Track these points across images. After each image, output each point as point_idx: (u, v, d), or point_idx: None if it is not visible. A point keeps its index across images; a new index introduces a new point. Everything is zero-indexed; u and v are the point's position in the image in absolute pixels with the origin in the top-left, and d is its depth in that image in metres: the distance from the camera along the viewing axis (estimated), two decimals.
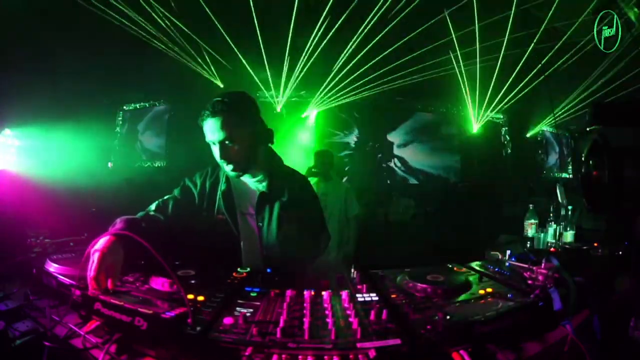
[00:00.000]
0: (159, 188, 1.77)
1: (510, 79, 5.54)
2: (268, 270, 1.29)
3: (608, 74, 5.04)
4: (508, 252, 1.38)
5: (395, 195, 5.62)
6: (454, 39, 5.09)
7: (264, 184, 1.55)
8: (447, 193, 5.87)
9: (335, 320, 0.89)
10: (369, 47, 5.09)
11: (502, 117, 6.59)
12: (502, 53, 5.06)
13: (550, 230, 2.24)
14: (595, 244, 1.76)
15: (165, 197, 1.55)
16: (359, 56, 5.24)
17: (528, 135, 6.85)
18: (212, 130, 1.41)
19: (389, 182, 6.17)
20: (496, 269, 1.26)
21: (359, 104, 5.92)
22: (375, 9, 4.67)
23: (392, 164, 6.26)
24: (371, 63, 5.32)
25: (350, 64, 5.35)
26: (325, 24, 4.85)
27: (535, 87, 5.35)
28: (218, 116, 1.39)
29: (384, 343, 0.79)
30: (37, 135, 4.21)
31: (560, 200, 2.32)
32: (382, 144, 6.23)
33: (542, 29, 4.58)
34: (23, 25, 3.86)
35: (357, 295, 1.06)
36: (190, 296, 0.98)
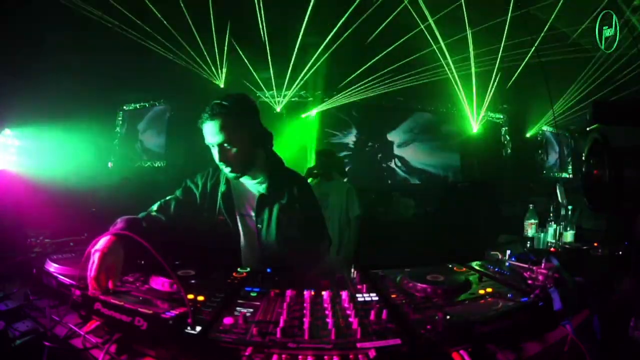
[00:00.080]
0: (159, 188, 1.78)
1: (511, 80, 5.55)
2: (268, 270, 1.29)
3: (608, 72, 5.05)
4: (508, 252, 1.38)
5: (396, 195, 5.62)
6: (443, 46, 5.10)
7: (264, 185, 1.55)
8: (447, 193, 5.87)
9: (335, 320, 0.89)
10: (368, 45, 5.09)
11: (502, 117, 6.60)
12: (499, 55, 5.07)
13: (550, 230, 2.24)
14: (595, 244, 1.76)
15: (168, 198, 1.55)
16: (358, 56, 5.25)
17: (528, 135, 6.85)
18: (211, 133, 1.41)
19: (390, 182, 6.17)
20: (496, 269, 1.26)
21: (357, 104, 5.92)
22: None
23: (392, 164, 6.26)
24: (371, 62, 5.33)
25: (351, 64, 5.36)
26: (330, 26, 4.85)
27: (535, 86, 5.35)
28: (217, 119, 1.39)
29: (384, 343, 0.79)
30: (37, 135, 4.21)
31: (560, 200, 2.31)
32: (382, 144, 6.23)
33: (543, 32, 4.59)
34: (23, 25, 3.86)
35: (357, 295, 1.05)
36: (190, 296, 0.98)
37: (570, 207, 2.28)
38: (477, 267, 1.32)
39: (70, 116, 4.29)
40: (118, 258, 1.09)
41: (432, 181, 6.22)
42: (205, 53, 5.18)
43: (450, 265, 1.33)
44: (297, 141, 5.71)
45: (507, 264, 1.29)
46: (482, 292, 1.06)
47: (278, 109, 5.74)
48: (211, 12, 4.65)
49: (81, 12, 4.08)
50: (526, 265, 1.18)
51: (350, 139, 6.14)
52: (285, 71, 5.44)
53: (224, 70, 5.42)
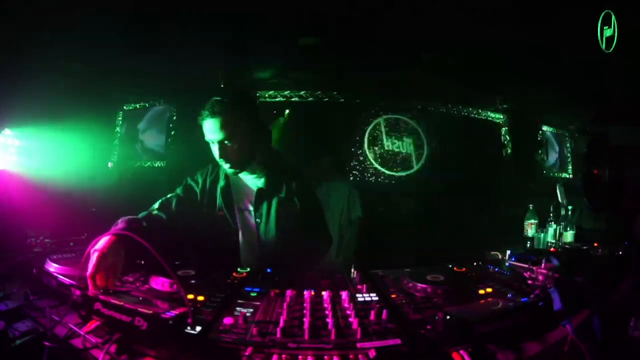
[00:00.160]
0: (159, 188, 1.78)
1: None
2: (268, 270, 1.29)
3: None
4: (508, 252, 1.38)
5: (395, 195, 5.61)
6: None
7: (262, 180, 1.56)
8: (447, 193, 5.87)
9: (335, 320, 0.89)
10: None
11: (502, 117, 6.59)
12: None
13: (550, 230, 2.24)
14: (595, 244, 1.76)
15: (169, 196, 1.56)
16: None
17: (528, 135, 6.84)
18: (211, 130, 1.42)
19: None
20: (496, 269, 1.26)
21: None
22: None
23: None
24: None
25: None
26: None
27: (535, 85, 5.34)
28: (217, 116, 1.40)
29: (384, 343, 0.79)
30: (37, 135, 4.20)
31: (560, 200, 2.32)
32: None
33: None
34: (23, 25, 3.86)
35: (357, 295, 1.06)
36: (190, 296, 0.98)
37: (570, 207, 2.28)
38: (477, 267, 1.32)
39: (70, 116, 4.28)
40: (118, 258, 1.09)
41: (432, 180, 6.21)
42: (206, 52, 5.16)
43: (450, 266, 1.33)
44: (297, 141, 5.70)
45: (507, 264, 1.30)
46: (482, 292, 1.06)
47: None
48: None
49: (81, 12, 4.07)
50: (526, 266, 1.18)
51: None
52: (287, 70, 5.43)
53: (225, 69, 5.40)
